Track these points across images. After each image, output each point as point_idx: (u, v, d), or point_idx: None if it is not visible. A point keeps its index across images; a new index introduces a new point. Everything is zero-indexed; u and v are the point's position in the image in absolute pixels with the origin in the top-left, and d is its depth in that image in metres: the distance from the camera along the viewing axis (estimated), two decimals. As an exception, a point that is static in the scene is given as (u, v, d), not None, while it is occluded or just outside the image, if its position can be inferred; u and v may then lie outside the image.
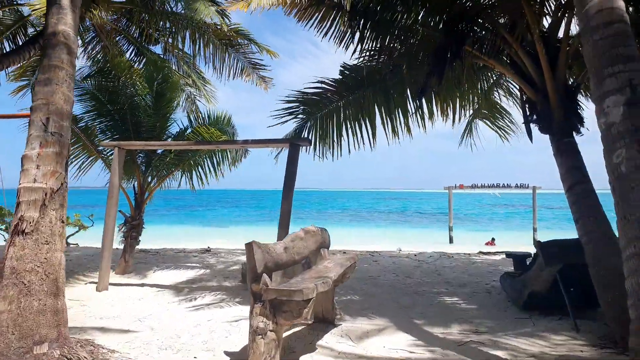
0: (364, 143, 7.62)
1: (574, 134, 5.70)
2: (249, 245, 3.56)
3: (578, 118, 5.79)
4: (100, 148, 7.98)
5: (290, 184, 6.25)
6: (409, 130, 7.38)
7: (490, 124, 9.10)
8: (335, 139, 7.71)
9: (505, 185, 25.58)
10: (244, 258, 10.11)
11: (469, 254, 11.16)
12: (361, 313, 5.67)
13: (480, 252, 11.24)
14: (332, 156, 7.76)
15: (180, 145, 7.02)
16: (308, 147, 7.59)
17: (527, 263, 7.33)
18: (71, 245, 12.48)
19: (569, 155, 5.51)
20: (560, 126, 5.62)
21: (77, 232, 12.40)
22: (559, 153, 5.61)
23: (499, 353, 4.17)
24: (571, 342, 4.56)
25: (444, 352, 4.19)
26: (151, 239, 17.10)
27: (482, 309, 5.98)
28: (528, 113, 6.18)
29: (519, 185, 25.54)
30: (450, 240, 24.42)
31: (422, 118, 7.39)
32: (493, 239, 22.50)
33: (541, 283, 5.56)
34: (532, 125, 6.19)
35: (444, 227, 31.85)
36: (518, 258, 7.18)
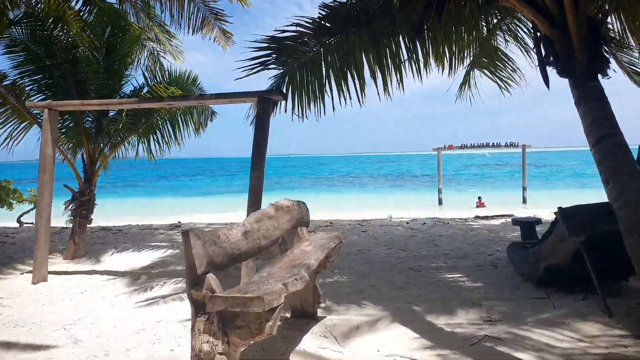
0: (350, 99, 6.48)
1: (600, 76, 4.69)
2: (185, 236, 2.50)
3: (604, 57, 4.76)
4: (36, 111, 6.70)
5: (261, 149, 5.15)
6: (401, 81, 6.24)
7: (490, 75, 7.99)
8: (316, 93, 6.56)
9: (495, 144, 25.29)
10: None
11: (465, 219, 10.28)
12: (350, 299, 4.75)
13: (477, 217, 10.37)
14: (316, 115, 6.60)
15: (125, 104, 5.81)
16: (285, 105, 6.46)
17: (537, 230, 6.47)
18: (25, 225, 11.29)
19: (594, 102, 4.50)
20: (584, 67, 4.59)
21: (32, 209, 11.18)
22: (582, 100, 4.59)
23: (523, 356, 3.25)
24: (607, 332, 3.67)
25: (455, 356, 3.26)
26: (120, 214, 15.98)
27: (489, 287, 5.11)
28: (544, 53, 5.11)
29: (508, 144, 25.25)
30: (440, 202, 24.01)
31: (417, 65, 6.25)
32: (480, 198, 22.10)
33: (561, 255, 4.66)
34: (548, 69, 5.14)
35: (432, 189, 31.30)
36: (527, 225, 6.27)
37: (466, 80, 8.20)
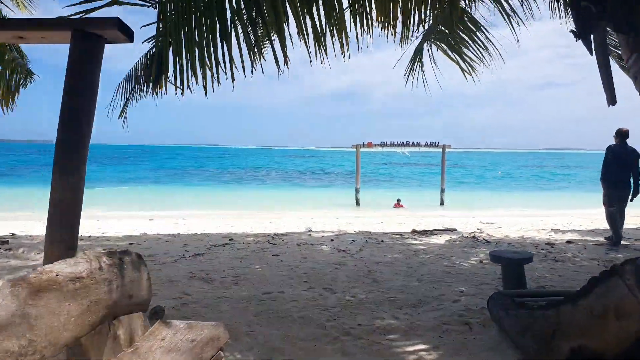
0: (264, 59, 4.10)
1: None
2: None
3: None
4: None
5: (78, 131, 2.65)
6: (341, 36, 3.96)
7: (449, 52, 6.05)
8: (210, 48, 3.98)
9: (415, 143, 24.62)
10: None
11: (401, 234, 8.35)
12: None
13: (415, 232, 8.49)
14: (212, 84, 4.02)
15: None
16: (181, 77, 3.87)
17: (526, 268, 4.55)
18: None
19: None
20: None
21: None
22: None
23: None
24: None
25: None
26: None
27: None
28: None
29: (428, 143, 24.71)
30: (357, 203, 22.81)
31: (366, 18, 4.03)
32: (399, 200, 21.33)
33: (611, 338, 2.69)
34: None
35: (348, 186, 29.84)
36: (514, 263, 4.30)
37: (418, 59, 6.22)
